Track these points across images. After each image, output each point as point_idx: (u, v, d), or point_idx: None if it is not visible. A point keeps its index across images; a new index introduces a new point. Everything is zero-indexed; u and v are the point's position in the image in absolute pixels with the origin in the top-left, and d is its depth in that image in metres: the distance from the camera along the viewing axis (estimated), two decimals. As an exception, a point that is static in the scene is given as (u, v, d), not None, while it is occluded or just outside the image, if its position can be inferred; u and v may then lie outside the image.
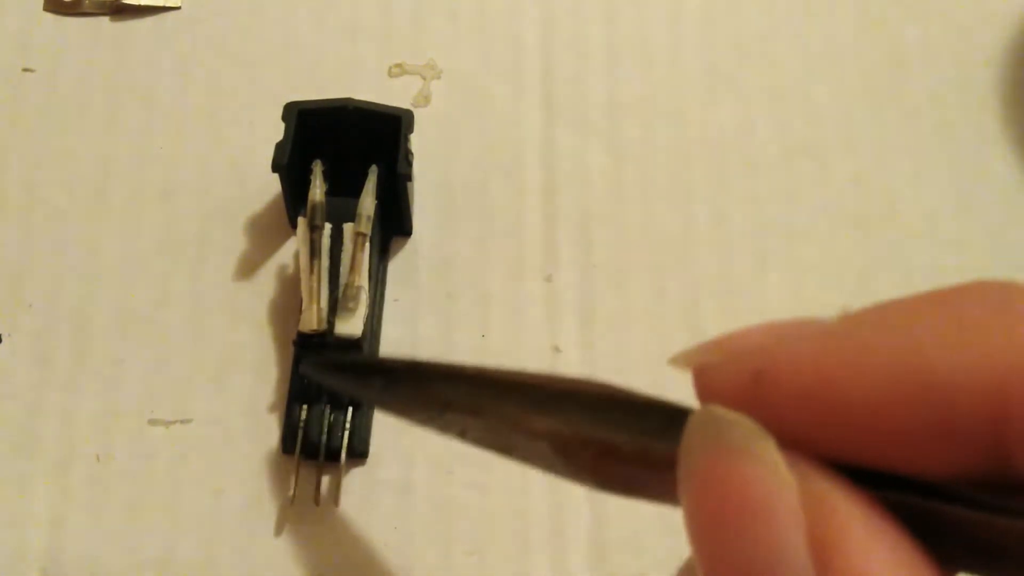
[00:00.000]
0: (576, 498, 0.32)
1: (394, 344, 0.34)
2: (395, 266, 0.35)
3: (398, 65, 0.39)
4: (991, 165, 0.37)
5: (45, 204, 0.36)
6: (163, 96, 0.38)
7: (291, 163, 0.33)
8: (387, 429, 0.33)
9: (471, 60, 0.39)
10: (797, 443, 0.15)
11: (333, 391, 0.31)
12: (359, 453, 0.32)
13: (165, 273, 0.35)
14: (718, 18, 0.40)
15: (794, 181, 0.37)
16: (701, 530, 0.15)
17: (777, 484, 0.14)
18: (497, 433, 0.19)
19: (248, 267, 0.35)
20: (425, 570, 0.31)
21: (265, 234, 0.36)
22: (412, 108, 0.34)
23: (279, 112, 0.33)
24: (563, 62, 0.39)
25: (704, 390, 0.16)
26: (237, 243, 0.35)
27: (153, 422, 0.33)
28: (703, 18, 0.40)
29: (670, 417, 0.17)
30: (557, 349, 0.34)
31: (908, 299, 0.15)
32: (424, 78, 0.38)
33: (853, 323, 0.15)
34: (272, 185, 0.34)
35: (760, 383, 0.15)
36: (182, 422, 0.33)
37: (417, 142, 0.34)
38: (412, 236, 0.36)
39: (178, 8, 0.39)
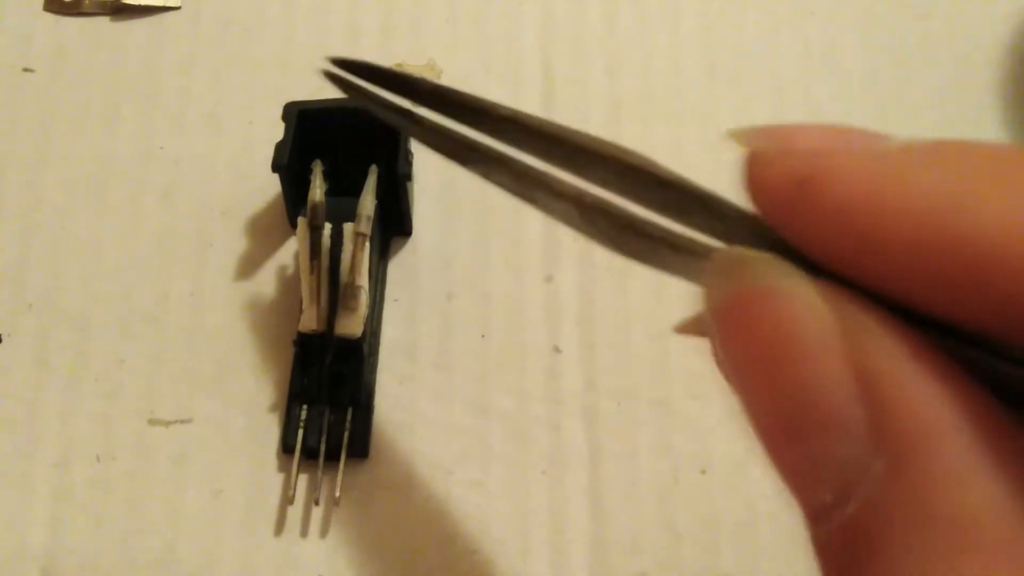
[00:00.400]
0: (576, 498, 0.32)
1: (394, 344, 0.34)
2: (395, 266, 0.35)
3: (398, 65, 0.39)
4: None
5: (45, 204, 0.36)
6: (163, 96, 0.38)
7: (291, 163, 0.33)
8: (387, 429, 0.33)
9: (471, 60, 0.39)
10: (829, 265, 0.14)
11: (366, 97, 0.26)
12: (359, 453, 0.32)
13: (165, 273, 0.35)
14: (718, 18, 0.40)
15: (794, 181, 0.37)
16: (739, 374, 0.14)
17: (815, 319, 0.14)
18: (522, 183, 0.18)
19: (248, 267, 0.35)
20: (425, 570, 0.31)
21: (265, 234, 0.36)
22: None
23: (279, 112, 0.33)
24: (563, 62, 0.39)
25: (752, 179, 0.16)
26: (237, 243, 0.35)
27: (153, 422, 0.33)
28: (703, 18, 0.40)
29: (703, 203, 0.16)
30: (557, 349, 0.34)
31: (968, 146, 0.14)
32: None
33: (915, 155, 0.15)
34: (272, 185, 0.34)
35: (805, 190, 0.14)
36: (182, 422, 0.33)
37: (417, 142, 0.34)
38: (412, 236, 0.36)
39: (178, 8, 0.39)
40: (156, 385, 0.33)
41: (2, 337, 0.34)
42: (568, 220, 0.18)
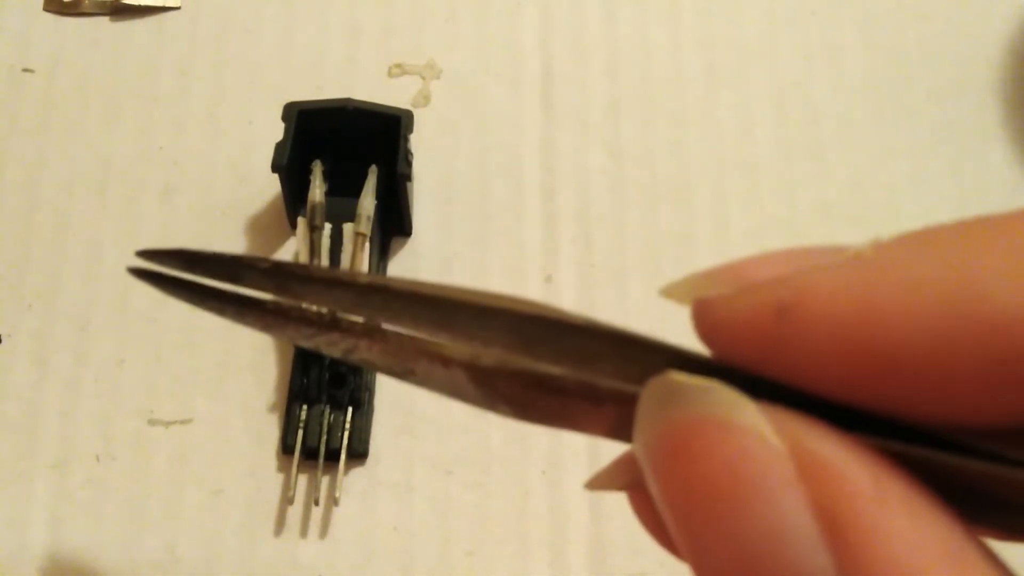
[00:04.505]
0: (576, 498, 0.32)
1: (394, 344, 0.34)
2: (395, 266, 0.35)
3: (398, 65, 0.39)
4: (991, 165, 0.37)
5: (45, 204, 0.36)
6: (163, 96, 0.38)
7: (291, 163, 0.33)
8: (387, 429, 0.33)
9: (471, 60, 0.39)
10: (816, 390, 0.13)
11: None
12: (359, 453, 0.32)
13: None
14: (718, 18, 0.40)
15: (794, 181, 0.37)
16: (682, 520, 0.13)
17: (772, 454, 0.12)
18: (395, 356, 0.16)
19: (248, 267, 0.35)
20: (425, 570, 0.31)
21: (265, 234, 0.36)
22: (412, 108, 0.34)
23: (279, 112, 0.33)
24: (563, 62, 0.39)
25: (711, 329, 0.14)
26: (237, 243, 0.35)
27: (153, 422, 0.33)
28: (703, 18, 0.40)
29: (616, 344, 0.15)
30: (557, 349, 0.34)
31: (952, 226, 0.13)
32: (424, 78, 0.38)
33: (893, 251, 0.13)
34: (272, 185, 0.34)
35: (786, 320, 0.13)
36: (182, 422, 0.33)
37: (417, 142, 0.34)
38: (412, 236, 0.36)
39: (178, 8, 0.39)
40: (156, 385, 0.33)
41: (2, 337, 0.34)
42: (456, 391, 0.15)
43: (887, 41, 0.40)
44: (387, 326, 0.16)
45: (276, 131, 0.33)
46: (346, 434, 0.32)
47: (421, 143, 0.35)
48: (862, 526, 0.12)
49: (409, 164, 0.33)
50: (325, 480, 0.31)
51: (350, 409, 0.32)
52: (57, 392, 0.33)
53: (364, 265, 0.32)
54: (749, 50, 0.39)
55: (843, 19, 0.40)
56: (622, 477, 0.16)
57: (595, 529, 0.31)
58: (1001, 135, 0.38)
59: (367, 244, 0.32)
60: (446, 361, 0.15)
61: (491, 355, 0.15)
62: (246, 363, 0.33)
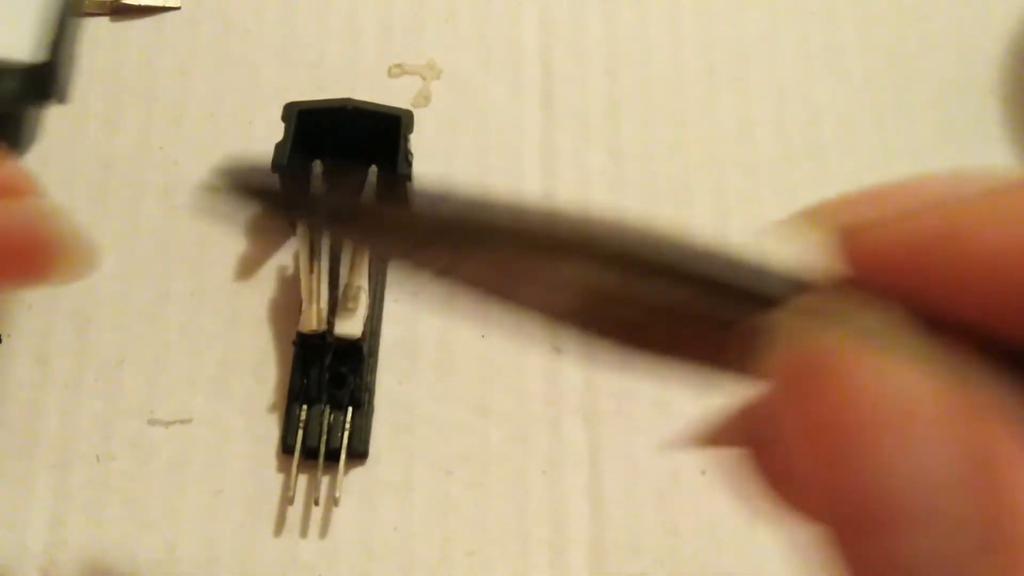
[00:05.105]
0: (576, 498, 0.32)
1: (394, 344, 0.34)
2: (395, 266, 0.35)
3: (398, 65, 0.39)
4: (991, 165, 0.37)
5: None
6: (163, 96, 0.38)
7: (291, 163, 0.33)
8: (387, 429, 0.33)
9: (471, 60, 0.39)
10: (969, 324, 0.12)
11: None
12: (359, 453, 0.32)
13: (165, 273, 0.35)
14: (718, 18, 0.40)
15: (794, 181, 0.37)
16: (820, 453, 0.12)
17: (924, 388, 0.11)
18: (498, 277, 0.15)
19: (248, 267, 0.35)
20: (425, 570, 0.31)
21: (265, 234, 0.36)
22: (412, 108, 0.34)
23: (279, 112, 0.33)
24: (563, 62, 0.39)
25: (865, 255, 0.13)
26: (237, 243, 0.35)
27: (153, 422, 0.33)
28: (703, 18, 0.40)
29: (746, 271, 0.13)
30: (557, 349, 0.34)
31: None
32: (424, 78, 0.38)
33: None
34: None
35: (948, 247, 0.12)
36: (182, 422, 0.33)
37: (417, 142, 0.34)
38: (412, 236, 0.36)
39: (178, 8, 0.39)
40: (156, 385, 0.33)
41: (2, 337, 0.34)
42: (560, 318, 0.14)
43: (887, 41, 0.40)
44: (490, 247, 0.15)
45: (276, 131, 0.33)
46: (346, 434, 0.32)
47: (421, 143, 0.35)
48: (1019, 475, 0.11)
49: (409, 164, 0.33)
50: (325, 480, 0.31)
51: (350, 409, 0.32)
52: (57, 392, 0.33)
53: (364, 265, 0.32)
54: (749, 50, 0.39)
55: (843, 19, 0.40)
56: (733, 434, 0.15)
57: (595, 529, 0.31)
58: (1001, 135, 0.38)
59: (367, 244, 0.32)
60: (555, 283, 0.14)
61: (606, 278, 0.14)
62: (246, 363, 0.33)
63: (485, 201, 0.14)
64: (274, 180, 0.16)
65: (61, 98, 0.21)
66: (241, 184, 0.16)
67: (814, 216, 0.14)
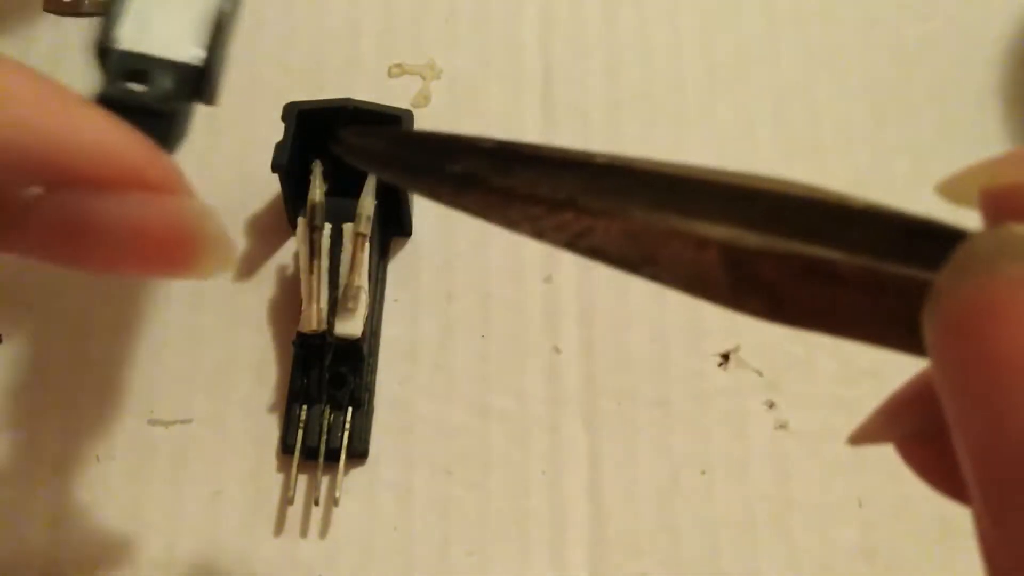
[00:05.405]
0: (576, 498, 0.32)
1: (394, 344, 0.34)
2: (395, 266, 0.35)
3: (398, 65, 0.39)
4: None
5: (45, 204, 0.36)
6: (163, 96, 0.38)
7: (291, 163, 0.33)
8: (387, 429, 0.33)
9: (471, 60, 0.39)
10: None
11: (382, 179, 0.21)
12: (359, 453, 0.32)
13: (165, 273, 0.35)
14: (718, 18, 0.40)
15: (794, 181, 0.37)
16: (974, 396, 0.11)
17: None
18: (637, 239, 0.14)
19: (248, 267, 0.35)
20: (425, 570, 0.31)
21: (265, 234, 0.36)
22: (412, 108, 0.34)
23: (279, 112, 0.33)
24: (563, 62, 0.39)
25: (1011, 217, 0.12)
26: (237, 243, 0.35)
27: (153, 422, 0.33)
28: (703, 18, 0.40)
29: (909, 233, 0.13)
30: (557, 349, 0.34)
31: None
32: (424, 78, 0.38)
33: None
34: (272, 185, 0.34)
35: None
36: (182, 422, 0.33)
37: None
38: (412, 236, 0.36)
39: (178, 8, 0.39)
40: (156, 385, 0.33)
41: (2, 337, 0.34)
42: (703, 280, 0.13)
43: (887, 41, 0.40)
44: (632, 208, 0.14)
45: (276, 131, 0.33)
46: (346, 434, 0.32)
47: (421, 143, 0.35)
48: None
49: (409, 164, 0.33)
50: (325, 480, 0.31)
51: (350, 409, 0.32)
52: (57, 392, 0.33)
53: (364, 265, 0.32)
54: (749, 50, 0.39)
55: (843, 19, 0.40)
56: (892, 427, 0.14)
57: (595, 529, 0.31)
58: (1001, 135, 0.38)
59: (367, 244, 0.32)
60: (700, 243, 0.13)
61: (755, 237, 0.13)
62: (246, 363, 0.33)
63: (627, 158, 0.14)
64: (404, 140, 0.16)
65: (211, 100, 0.22)
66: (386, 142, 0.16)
67: (958, 182, 0.13)
